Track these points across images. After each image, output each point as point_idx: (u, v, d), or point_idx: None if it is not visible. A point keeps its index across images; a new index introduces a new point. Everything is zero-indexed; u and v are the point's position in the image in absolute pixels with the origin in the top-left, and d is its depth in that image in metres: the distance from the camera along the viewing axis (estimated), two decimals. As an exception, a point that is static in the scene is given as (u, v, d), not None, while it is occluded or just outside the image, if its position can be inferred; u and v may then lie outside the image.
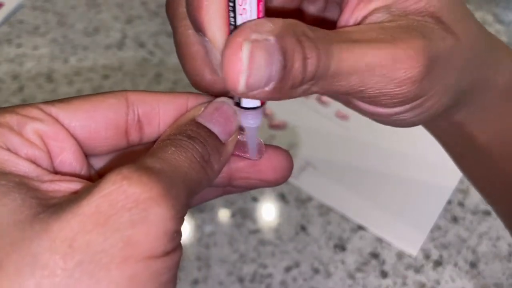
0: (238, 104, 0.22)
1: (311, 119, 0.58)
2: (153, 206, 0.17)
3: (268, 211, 0.51)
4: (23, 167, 0.19)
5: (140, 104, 0.23)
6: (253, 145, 0.24)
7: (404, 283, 0.47)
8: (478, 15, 0.65)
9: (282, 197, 0.52)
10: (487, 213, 0.51)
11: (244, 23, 0.19)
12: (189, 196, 0.20)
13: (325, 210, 0.51)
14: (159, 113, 0.23)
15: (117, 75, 0.60)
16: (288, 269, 0.48)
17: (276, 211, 0.51)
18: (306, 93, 0.20)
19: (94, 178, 0.22)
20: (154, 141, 0.23)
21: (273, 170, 0.24)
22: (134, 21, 0.65)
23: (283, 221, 0.50)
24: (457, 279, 0.47)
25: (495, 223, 0.51)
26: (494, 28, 0.64)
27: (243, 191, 0.25)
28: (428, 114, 0.24)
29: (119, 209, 0.17)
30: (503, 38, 0.64)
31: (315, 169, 0.54)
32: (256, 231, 0.50)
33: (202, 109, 0.23)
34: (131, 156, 0.24)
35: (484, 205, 0.52)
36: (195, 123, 0.22)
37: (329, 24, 0.27)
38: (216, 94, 0.24)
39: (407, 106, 0.23)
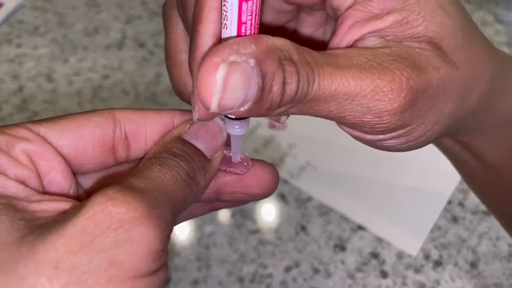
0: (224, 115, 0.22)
1: (311, 119, 0.57)
2: (138, 226, 0.18)
3: (268, 211, 0.51)
4: (12, 188, 0.19)
5: (127, 122, 0.23)
6: (237, 152, 0.24)
7: (404, 283, 0.47)
8: (478, 15, 0.65)
9: (282, 197, 0.52)
10: (487, 213, 0.51)
11: (228, 41, 0.19)
12: (174, 214, 0.20)
13: (325, 210, 0.51)
14: (145, 130, 0.23)
15: (117, 75, 0.60)
16: (288, 269, 0.48)
17: (276, 211, 0.51)
18: (284, 114, 0.20)
19: (82, 197, 0.23)
20: (141, 158, 0.23)
21: (259, 184, 0.25)
22: (134, 21, 0.65)
23: (283, 221, 0.50)
24: (457, 279, 0.47)
25: (495, 223, 0.51)
26: (494, 28, 0.64)
27: (230, 206, 0.26)
28: (418, 142, 0.23)
29: (104, 229, 0.17)
30: (503, 38, 0.64)
31: (315, 169, 0.54)
32: (256, 231, 0.50)
33: (188, 126, 0.23)
34: (119, 174, 0.24)
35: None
36: (181, 140, 0.22)
37: (321, 46, 0.26)
38: None
39: (392, 134, 0.22)
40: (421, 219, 0.51)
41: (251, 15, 0.19)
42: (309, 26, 0.26)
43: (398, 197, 0.52)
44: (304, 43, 0.22)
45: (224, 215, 0.50)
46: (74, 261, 0.17)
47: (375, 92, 0.20)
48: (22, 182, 0.20)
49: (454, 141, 0.29)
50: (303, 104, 0.20)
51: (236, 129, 0.22)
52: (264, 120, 0.58)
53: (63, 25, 0.64)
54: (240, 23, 0.19)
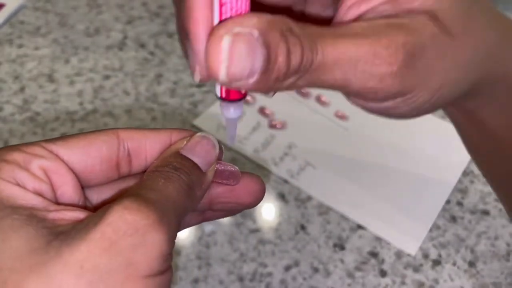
0: (220, 97, 0.24)
1: (311, 119, 0.58)
2: (151, 232, 0.20)
3: (268, 211, 0.51)
4: (32, 200, 0.22)
5: (129, 140, 0.26)
6: (233, 135, 0.26)
7: (403, 282, 0.47)
8: (477, 15, 0.66)
9: (281, 197, 0.52)
10: (485, 213, 0.52)
11: (230, 17, 0.20)
12: (178, 221, 0.22)
13: (324, 210, 0.51)
14: (146, 147, 0.26)
15: (118, 75, 0.60)
16: (287, 268, 0.48)
17: (276, 211, 0.51)
18: (292, 87, 0.21)
19: (89, 208, 0.25)
20: (142, 172, 0.26)
21: (249, 194, 0.27)
22: (134, 22, 0.65)
23: (283, 220, 0.51)
24: (455, 278, 0.48)
25: (494, 222, 0.51)
26: (493, 29, 0.65)
27: (221, 217, 0.28)
28: (424, 108, 0.24)
29: (122, 235, 0.20)
30: (502, 39, 0.64)
31: (314, 169, 0.54)
32: (256, 231, 0.50)
33: (185, 142, 0.25)
34: (122, 186, 0.26)
35: (483, 205, 0.52)
36: (180, 155, 0.25)
37: (325, 23, 0.27)
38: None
39: (398, 100, 0.23)
40: (420, 219, 0.51)
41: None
42: (316, 6, 0.27)
43: (397, 197, 0.52)
44: (313, 23, 0.23)
45: (224, 214, 0.51)
46: (97, 262, 0.19)
47: (374, 57, 0.21)
48: (40, 194, 0.22)
49: (458, 109, 0.30)
50: (309, 74, 0.21)
51: (231, 112, 0.24)
52: (264, 120, 0.58)
53: (64, 26, 0.64)
54: (220, 4, 0.20)
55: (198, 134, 0.26)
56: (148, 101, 0.58)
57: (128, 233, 0.20)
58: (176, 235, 0.22)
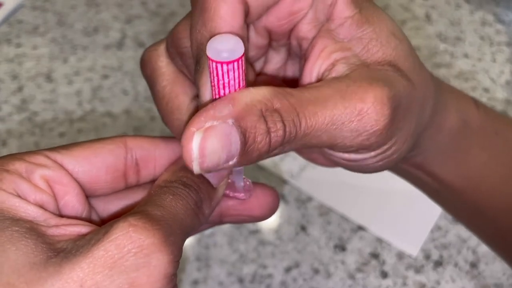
0: None
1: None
2: (155, 252, 0.19)
3: (268, 211, 0.51)
4: (32, 212, 0.21)
5: (138, 150, 0.25)
6: (240, 184, 0.25)
7: (404, 283, 0.47)
8: (478, 15, 0.65)
9: (282, 197, 0.52)
10: (487, 213, 0.51)
11: (206, 106, 0.20)
12: (184, 240, 0.22)
13: (325, 210, 0.51)
14: (154, 157, 0.25)
15: (117, 75, 0.60)
16: (288, 270, 0.47)
17: (276, 212, 0.51)
18: (277, 154, 0.21)
19: (94, 219, 0.25)
20: (150, 182, 0.25)
21: (261, 207, 0.27)
22: (133, 21, 0.65)
23: (283, 221, 0.50)
24: (457, 279, 0.47)
25: (496, 223, 0.51)
26: (495, 28, 0.64)
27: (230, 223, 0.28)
28: (391, 159, 0.24)
29: (125, 253, 0.19)
30: (504, 38, 0.64)
31: (315, 169, 0.53)
32: (256, 232, 0.50)
33: None
34: (130, 196, 0.26)
35: (485, 205, 0.52)
36: (190, 169, 0.24)
37: (290, 82, 0.28)
38: None
39: (369, 154, 0.23)
40: (421, 219, 0.51)
41: (233, 77, 0.20)
42: (274, 64, 0.27)
43: (398, 197, 0.52)
44: (269, 81, 0.24)
45: (224, 215, 0.50)
46: (98, 280, 0.18)
47: (361, 116, 0.21)
48: (41, 206, 0.22)
49: (410, 164, 0.31)
50: (295, 142, 0.21)
51: None
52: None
53: (63, 25, 0.64)
54: (219, 85, 0.21)
55: None
56: (147, 101, 0.58)
57: (132, 251, 0.19)
58: (181, 255, 0.21)
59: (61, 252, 0.19)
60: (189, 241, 0.49)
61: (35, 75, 0.60)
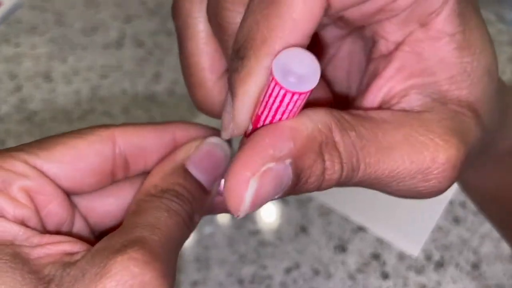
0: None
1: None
2: (156, 286, 0.18)
3: (268, 212, 0.51)
4: (12, 230, 0.19)
5: (127, 145, 0.22)
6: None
7: (405, 284, 0.47)
8: (479, 14, 0.65)
9: (282, 198, 0.51)
10: (488, 214, 0.51)
11: (263, 141, 0.17)
12: (176, 260, 0.20)
13: (325, 211, 0.51)
14: (145, 151, 0.23)
15: (116, 74, 0.60)
16: (288, 270, 0.47)
17: (276, 212, 0.51)
18: (323, 189, 0.19)
19: (77, 219, 0.23)
20: (138, 175, 0.23)
21: None
22: (132, 20, 0.64)
23: (283, 222, 0.50)
24: (458, 280, 0.47)
25: (497, 223, 0.51)
26: (497, 28, 0.64)
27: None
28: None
29: None
30: (505, 37, 0.63)
31: (315, 169, 0.53)
32: (256, 232, 0.49)
33: (191, 149, 0.22)
34: (116, 193, 0.24)
35: (486, 206, 0.52)
36: (183, 172, 0.22)
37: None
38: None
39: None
40: (423, 220, 0.51)
41: (297, 105, 0.17)
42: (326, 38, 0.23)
43: (399, 198, 0.52)
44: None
45: (223, 216, 0.50)
46: None
47: (425, 175, 0.19)
48: (22, 222, 0.20)
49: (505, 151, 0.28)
50: (346, 184, 0.19)
51: None
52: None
53: (62, 25, 0.64)
54: (273, 109, 0.17)
55: (208, 141, 0.22)
56: (146, 101, 0.57)
57: (134, 287, 0.18)
58: (175, 278, 0.20)
59: (51, 283, 0.18)
60: (189, 242, 0.48)
61: (33, 74, 0.60)
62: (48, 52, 0.61)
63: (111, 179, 0.23)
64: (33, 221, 0.20)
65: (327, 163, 0.17)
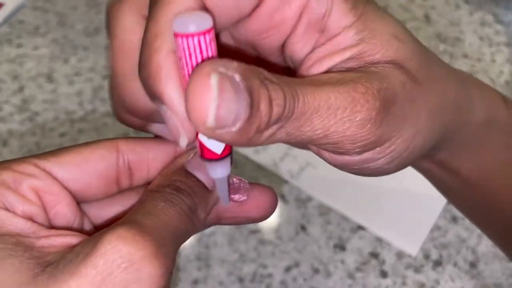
0: (203, 157, 0.22)
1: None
2: (146, 265, 0.18)
3: (268, 211, 0.51)
4: (20, 225, 0.20)
5: (130, 153, 0.24)
6: (225, 194, 0.24)
7: (404, 283, 0.47)
8: (478, 15, 0.66)
9: (282, 197, 0.52)
10: (486, 213, 0.51)
11: (207, 60, 0.18)
12: (177, 249, 0.21)
13: (325, 210, 0.51)
14: (148, 160, 0.24)
15: (117, 75, 0.60)
16: (288, 269, 0.48)
17: (276, 211, 0.51)
18: (270, 140, 0.20)
19: (85, 227, 0.24)
20: (143, 185, 0.24)
21: (259, 208, 0.25)
22: (134, 21, 0.65)
23: (283, 221, 0.50)
24: (456, 279, 0.47)
25: (495, 223, 0.51)
26: (494, 28, 0.65)
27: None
28: (403, 158, 0.23)
29: (114, 268, 0.18)
30: (503, 39, 0.64)
31: (315, 169, 0.54)
32: (256, 231, 0.50)
33: (192, 155, 0.23)
34: (122, 201, 0.25)
35: (484, 205, 0.52)
36: (184, 172, 0.23)
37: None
38: (140, 127, 0.24)
39: (376, 152, 0.22)
40: (421, 219, 0.51)
41: (206, 51, 0.19)
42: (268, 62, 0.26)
43: (398, 197, 0.52)
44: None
45: (224, 215, 0.50)
46: None
47: (353, 104, 0.21)
48: (30, 218, 0.21)
49: (431, 161, 0.30)
50: (289, 124, 0.20)
51: (218, 171, 0.22)
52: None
53: (64, 25, 0.64)
54: (192, 64, 0.19)
55: None
56: (148, 101, 0.58)
57: (122, 266, 0.18)
58: (174, 265, 0.20)
59: (49, 267, 0.19)
60: (189, 241, 0.49)
61: (36, 75, 0.60)
62: (50, 53, 0.62)
63: (117, 187, 0.24)
64: (41, 218, 0.21)
65: (271, 91, 0.19)
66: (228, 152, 0.22)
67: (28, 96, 0.58)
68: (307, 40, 0.23)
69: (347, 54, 0.23)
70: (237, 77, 0.18)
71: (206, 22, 0.18)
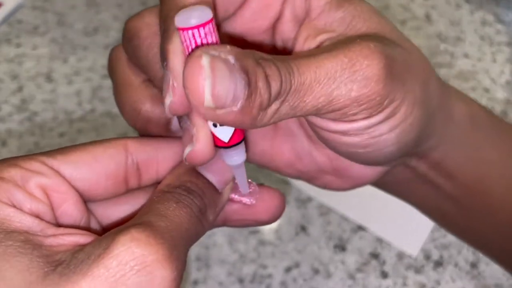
0: (217, 146, 0.22)
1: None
2: (159, 269, 0.18)
3: (268, 211, 0.51)
4: (27, 222, 0.20)
5: (139, 153, 0.24)
6: (243, 182, 0.24)
7: (405, 284, 0.47)
8: (478, 15, 0.65)
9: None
10: (487, 213, 0.51)
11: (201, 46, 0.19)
12: (187, 251, 0.21)
13: (325, 210, 0.51)
14: (157, 160, 0.24)
15: (117, 75, 0.60)
16: (288, 270, 0.47)
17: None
18: (276, 117, 0.20)
19: (93, 225, 0.23)
20: (153, 184, 0.24)
21: (267, 211, 0.25)
22: (133, 21, 0.65)
23: (283, 221, 0.50)
24: (457, 280, 0.47)
25: (496, 223, 0.51)
26: (495, 28, 0.64)
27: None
28: (404, 128, 0.23)
29: (127, 271, 0.18)
30: (504, 38, 0.64)
31: (315, 169, 0.53)
32: (256, 232, 0.49)
33: None
34: (131, 201, 0.25)
35: (485, 205, 0.52)
36: (194, 173, 0.23)
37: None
38: (150, 133, 0.24)
39: (381, 116, 0.22)
40: (422, 219, 0.51)
41: (207, 42, 0.20)
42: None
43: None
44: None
45: (224, 215, 0.50)
46: None
47: (351, 64, 0.21)
48: (37, 216, 0.21)
49: (427, 163, 0.29)
50: (291, 97, 0.20)
51: (234, 158, 0.22)
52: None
53: (63, 25, 0.64)
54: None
55: None
56: (147, 101, 0.58)
57: (135, 269, 0.18)
58: (185, 267, 0.20)
59: (59, 266, 0.18)
60: (189, 241, 0.49)
61: (35, 75, 0.60)
62: (49, 53, 0.62)
63: (125, 186, 0.24)
64: (48, 216, 0.21)
65: (266, 68, 0.19)
66: (240, 139, 0.22)
67: (27, 96, 0.58)
68: (294, 23, 0.24)
69: (336, 30, 0.23)
70: (231, 59, 0.18)
71: (205, 14, 0.20)
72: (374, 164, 0.27)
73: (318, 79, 0.20)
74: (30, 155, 0.22)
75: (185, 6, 0.20)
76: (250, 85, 0.19)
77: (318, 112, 0.21)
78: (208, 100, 0.18)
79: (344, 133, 0.23)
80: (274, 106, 0.20)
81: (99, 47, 0.62)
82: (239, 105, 0.19)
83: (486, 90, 0.59)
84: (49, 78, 0.60)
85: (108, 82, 0.59)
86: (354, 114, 0.22)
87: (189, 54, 0.19)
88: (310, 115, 0.22)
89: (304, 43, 0.23)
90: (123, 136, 0.24)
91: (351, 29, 0.23)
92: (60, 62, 0.61)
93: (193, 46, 0.20)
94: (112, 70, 0.26)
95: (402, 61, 0.22)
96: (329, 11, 0.23)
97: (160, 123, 0.24)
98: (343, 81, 0.21)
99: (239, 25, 0.24)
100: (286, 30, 0.24)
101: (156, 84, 0.24)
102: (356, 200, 0.51)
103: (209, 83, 0.18)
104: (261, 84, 0.19)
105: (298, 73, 0.20)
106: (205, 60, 0.18)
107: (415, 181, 0.31)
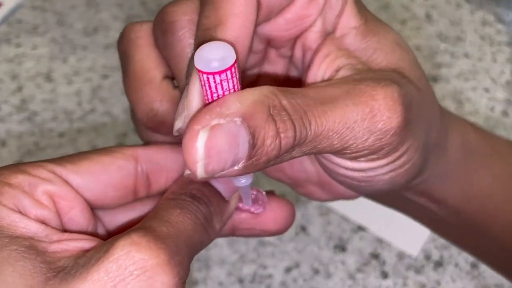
0: None
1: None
2: (160, 274, 0.18)
3: (268, 212, 0.51)
4: (33, 228, 0.20)
5: (149, 163, 0.23)
6: (248, 202, 0.24)
7: (405, 284, 0.47)
8: (479, 14, 0.65)
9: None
10: (488, 214, 0.51)
11: (211, 103, 0.18)
12: (191, 258, 0.20)
13: (325, 210, 0.51)
14: (166, 170, 0.24)
15: (117, 74, 0.60)
16: (288, 270, 0.47)
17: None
18: (285, 160, 0.20)
19: (100, 231, 0.23)
20: (161, 193, 0.24)
21: (276, 221, 0.25)
22: (133, 21, 0.65)
23: (283, 221, 0.50)
24: (457, 280, 0.47)
25: (496, 223, 0.51)
26: (495, 28, 0.64)
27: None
28: (401, 172, 0.23)
29: (127, 275, 0.18)
30: (504, 38, 0.63)
31: (315, 169, 0.53)
32: (256, 232, 0.49)
33: None
34: (138, 208, 0.24)
35: (485, 206, 0.52)
36: (201, 181, 0.22)
37: (293, 83, 0.26)
38: (161, 134, 0.24)
39: (384, 161, 0.22)
40: (422, 220, 0.51)
41: (228, 87, 0.19)
42: (273, 65, 0.26)
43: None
44: (272, 82, 0.23)
45: (224, 215, 0.50)
46: None
47: (373, 113, 0.20)
48: (43, 222, 0.20)
49: (413, 192, 0.29)
50: (305, 146, 0.20)
51: (242, 181, 0.22)
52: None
53: (63, 25, 0.64)
54: (213, 98, 0.19)
55: None
56: (147, 101, 0.58)
57: (135, 273, 0.18)
58: (187, 275, 0.20)
59: (61, 272, 0.18)
60: (189, 241, 0.49)
61: (34, 75, 0.60)
62: (49, 52, 0.61)
63: (133, 196, 0.23)
64: (54, 223, 0.21)
65: (278, 123, 0.18)
66: None
67: (27, 96, 0.58)
68: (321, 35, 0.24)
69: (355, 57, 0.23)
70: (238, 120, 0.18)
71: (229, 56, 0.18)
72: (361, 194, 0.27)
73: (336, 129, 0.20)
74: (39, 162, 0.22)
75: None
76: (256, 146, 0.18)
77: (330, 153, 0.21)
78: (200, 174, 0.18)
79: (343, 166, 0.23)
80: (284, 158, 0.20)
81: (99, 47, 0.62)
82: (240, 165, 0.18)
83: (486, 90, 0.59)
84: (49, 78, 0.60)
85: (108, 82, 0.59)
86: (361, 157, 0.22)
87: (193, 118, 0.18)
88: (323, 153, 0.21)
89: (323, 62, 0.23)
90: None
91: (372, 62, 0.23)
92: (60, 62, 0.61)
93: (207, 88, 0.19)
94: (126, 54, 0.24)
95: (416, 105, 0.22)
96: (355, 36, 0.23)
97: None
98: (361, 130, 0.20)
99: (269, 31, 0.24)
100: (310, 39, 0.24)
101: (178, 82, 0.23)
102: (356, 200, 0.51)
103: (202, 164, 0.18)
104: (269, 142, 0.18)
105: (315, 125, 0.19)
106: (201, 140, 0.18)
107: (404, 202, 0.31)
